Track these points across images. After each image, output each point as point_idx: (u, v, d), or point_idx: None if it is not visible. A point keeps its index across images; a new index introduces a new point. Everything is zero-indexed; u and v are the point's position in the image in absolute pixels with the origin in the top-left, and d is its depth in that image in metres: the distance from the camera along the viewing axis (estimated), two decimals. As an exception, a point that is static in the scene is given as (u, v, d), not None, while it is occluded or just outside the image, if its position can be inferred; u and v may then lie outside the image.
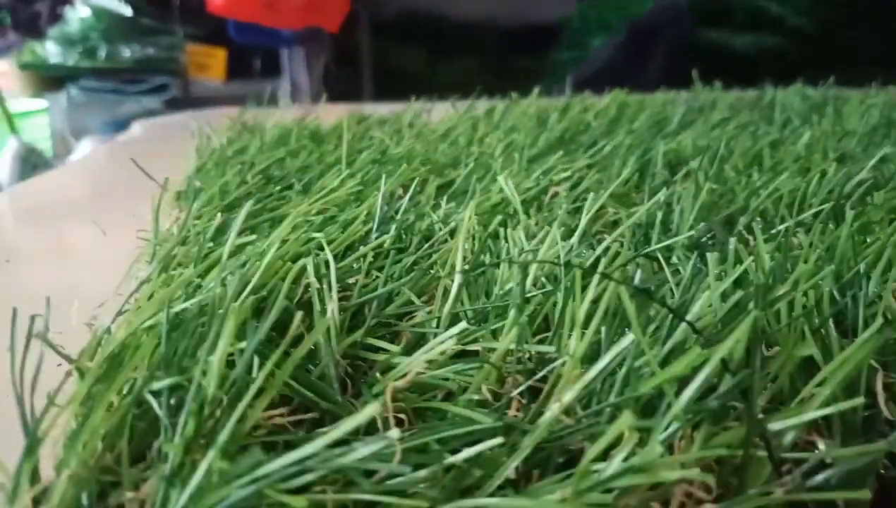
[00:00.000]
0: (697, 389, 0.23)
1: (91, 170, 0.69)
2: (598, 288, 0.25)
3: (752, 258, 0.31)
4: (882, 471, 0.25)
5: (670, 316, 0.25)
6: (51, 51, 1.97)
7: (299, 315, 0.23)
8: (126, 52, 2.04)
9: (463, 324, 0.26)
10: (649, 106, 0.73)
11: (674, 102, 0.78)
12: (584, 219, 0.37)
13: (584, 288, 0.26)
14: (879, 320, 0.24)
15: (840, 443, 0.25)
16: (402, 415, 0.26)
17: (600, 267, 0.34)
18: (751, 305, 0.24)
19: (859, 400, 0.22)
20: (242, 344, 0.25)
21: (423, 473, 0.22)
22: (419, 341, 0.30)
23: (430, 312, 0.32)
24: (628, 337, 0.23)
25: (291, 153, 0.52)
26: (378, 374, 0.28)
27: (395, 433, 0.20)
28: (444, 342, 0.26)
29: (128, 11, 2.06)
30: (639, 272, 0.27)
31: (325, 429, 0.25)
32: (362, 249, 0.34)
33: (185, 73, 2.13)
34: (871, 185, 0.44)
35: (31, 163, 1.71)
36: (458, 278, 0.30)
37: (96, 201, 0.58)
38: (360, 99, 2.22)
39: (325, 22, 2.18)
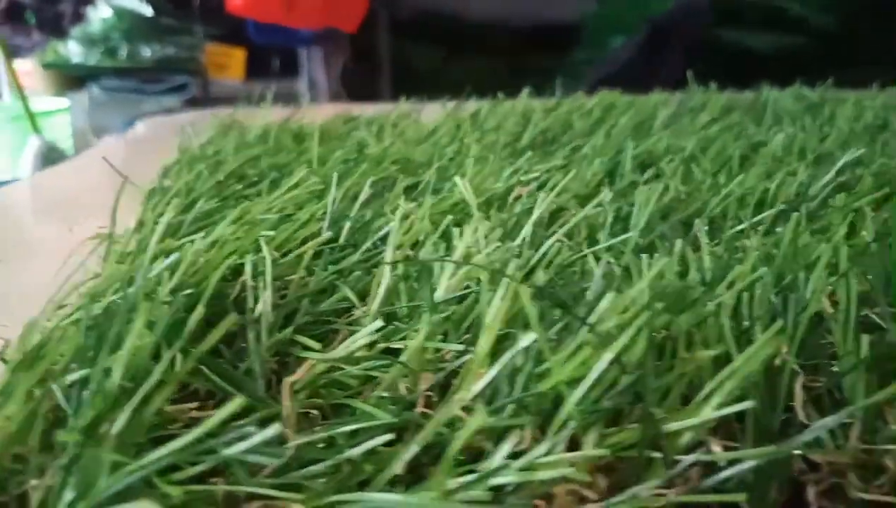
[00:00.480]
0: (593, 388, 0.23)
1: (78, 170, 0.71)
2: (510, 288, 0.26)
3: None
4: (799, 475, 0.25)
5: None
6: (73, 50, 2.01)
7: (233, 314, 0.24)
8: (147, 52, 2.07)
9: (379, 323, 0.27)
10: (640, 106, 0.73)
11: (666, 103, 0.77)
12: (532, 218, 0.37)
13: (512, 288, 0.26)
14: (779, 323, 0.24)
15: (752, 445, 0.25)
16: (315, 411, 0.26)
17: (543, 266, 0.34)
18: (659, 305, 0.24)
19: (748, 404, 0.22)
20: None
21: (315, 467, 0.22)
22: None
23: (366, 310, 0.32)
24: (530, 336, 0.23)
25: (267, 152, 0.52)
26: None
27: (276, 427, 0.20)
28: (359, 340, 0.26)
29: (149, 11, 2.09)
30: (541, 272, 0.27)
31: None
32: (305, 246, 0.35)
33: (204, 72, 2.16)
34: (838, 187, 0.43)
35: (52, 160, 1.75)
36: (386, 276, 0.30)
37: (75, 200, 0.59)
38: (379, 98, 2.23)
39: (343, 22, 2.19)
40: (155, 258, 0.32)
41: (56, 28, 2.06)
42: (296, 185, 0.41)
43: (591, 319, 0.24)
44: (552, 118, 0.65)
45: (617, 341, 0.22)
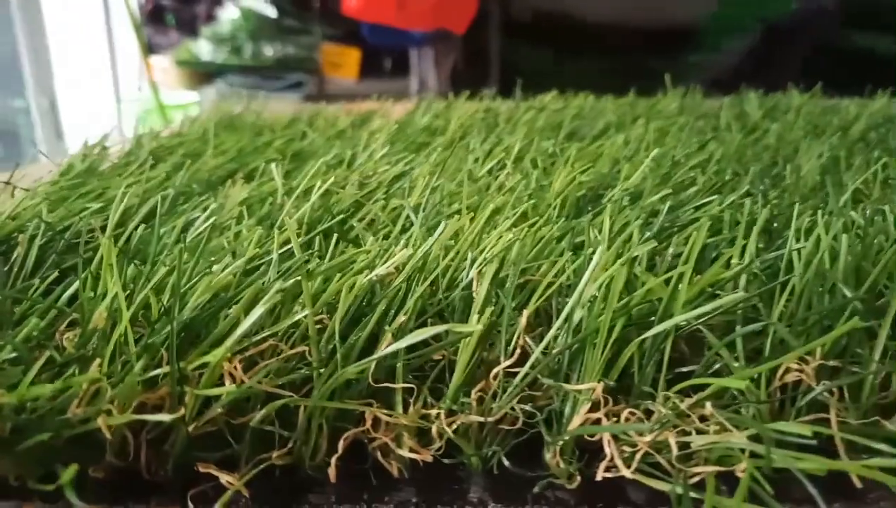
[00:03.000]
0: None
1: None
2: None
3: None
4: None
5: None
6: (203, 49, 2.22)
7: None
8: (269, 51, 2.25)
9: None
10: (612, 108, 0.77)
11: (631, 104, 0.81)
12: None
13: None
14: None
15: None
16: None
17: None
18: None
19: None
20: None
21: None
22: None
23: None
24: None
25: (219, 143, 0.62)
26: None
27: None
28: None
29: (272, 13, 2.27)
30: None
31: None
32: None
33: (320, 71, 2.32)
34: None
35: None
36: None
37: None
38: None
39: (453, 24, 2.29)
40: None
41: (191, 28, 2.28)
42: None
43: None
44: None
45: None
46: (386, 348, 0.31)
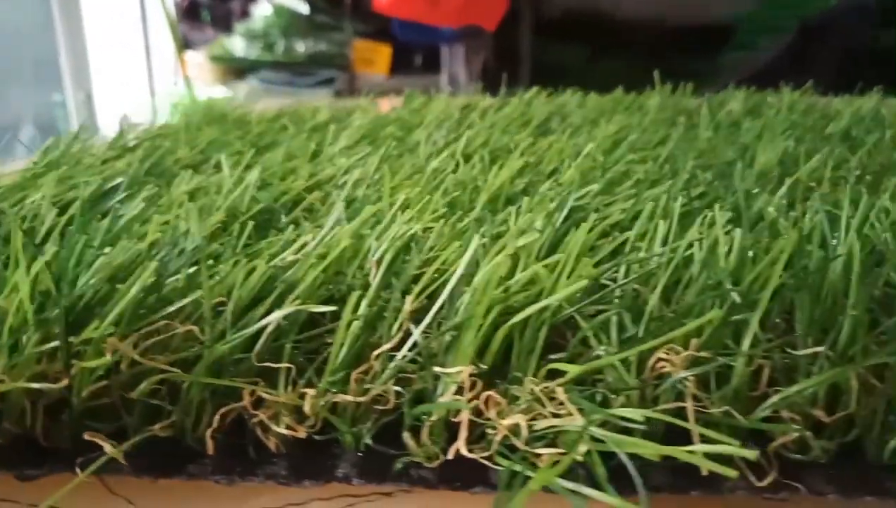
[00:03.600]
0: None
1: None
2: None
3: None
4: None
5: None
6: (237, 45, 2.27)
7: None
8: (301, 47, 2.30)
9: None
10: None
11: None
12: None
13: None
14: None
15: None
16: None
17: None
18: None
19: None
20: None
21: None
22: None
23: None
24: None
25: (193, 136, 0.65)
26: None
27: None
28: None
29: (305, 9, 2.31)
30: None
31: None
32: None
33: (351, 67, 2.35)
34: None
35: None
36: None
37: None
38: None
39: (484, 20, 2.30)
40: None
41: (226, 24, 2.34)
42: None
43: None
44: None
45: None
46: (254, 326, 0.33)
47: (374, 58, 2.39)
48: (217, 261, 0.39)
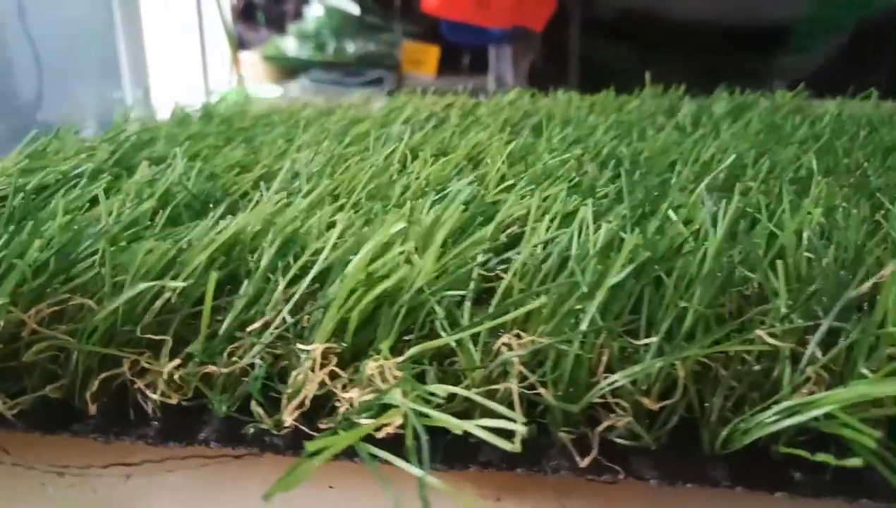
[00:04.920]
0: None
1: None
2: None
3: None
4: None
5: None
6: (289, 45, 2.35)
7: None
8: (351, 48, 2.36)
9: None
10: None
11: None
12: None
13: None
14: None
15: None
16: None
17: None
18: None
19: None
20: None
21: None
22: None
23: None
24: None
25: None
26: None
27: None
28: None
29: (356, 10, 2.37)
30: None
31: None
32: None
33: (400, 67, 2.40)
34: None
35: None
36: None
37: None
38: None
39: (532, 21, 2.31)
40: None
41: (280, 25, 2.41)
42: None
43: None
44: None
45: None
46: (124, 296, 0.36)
47: (423, 58, 2.43)
48: (129, 243, 0.42)
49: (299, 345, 0.36)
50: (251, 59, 2.41)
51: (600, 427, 0.33)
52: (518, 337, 0.34)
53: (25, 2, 2.18)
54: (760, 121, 0.71)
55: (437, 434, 0.32)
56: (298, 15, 2.43)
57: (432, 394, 0.31)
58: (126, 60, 2.10)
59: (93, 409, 0.36)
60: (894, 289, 0.35)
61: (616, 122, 0.73)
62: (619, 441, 0.34)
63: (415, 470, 0.27)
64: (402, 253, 0.36)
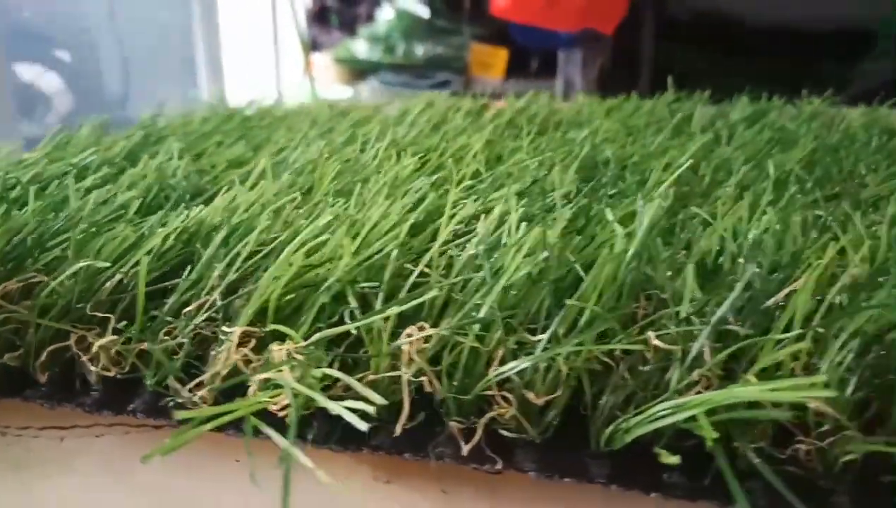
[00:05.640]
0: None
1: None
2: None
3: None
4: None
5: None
6: (360, 47, 2.41)
7: None
8: (419, 50, 2.40)
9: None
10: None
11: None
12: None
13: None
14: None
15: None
16: None
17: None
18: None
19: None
20: None
21: None
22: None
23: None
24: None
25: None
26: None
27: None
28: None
29: (425, 13, 2.41)
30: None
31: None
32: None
33: (468, 70, 2.42)
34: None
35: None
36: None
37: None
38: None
39: (601, 24, 2.29)
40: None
41: (352, 28, 2.48)
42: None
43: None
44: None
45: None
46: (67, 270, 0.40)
47: (491, 61, 2.45)
48: (102, 228, 0.46)
49: (223, 328, 0.38)
50: (323, 61, 2.48)
51: (485, 418, 0.34)
52: (421, 328, 0.36)
53: (116, 5, 2.32)
54: (771, 128, 0.70)
55: (331, 418, 0.34)
56: (371, 18, 2.49)
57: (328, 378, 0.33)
58: (203, 61, 2.20)
59: (43, 378, 0.40)
60: (802, 299, 0.35)
61: (624, 127, 0.73)
62: (506, 433, 0.35)
63: (282, 441, 0.30)
64: (328, 244, 0.38)
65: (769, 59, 2.34)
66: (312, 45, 2.47)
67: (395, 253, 0.39)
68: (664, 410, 0.32)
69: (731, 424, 0.33)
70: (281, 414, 0.35)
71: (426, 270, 0.40)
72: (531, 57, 2.44)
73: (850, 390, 0.32)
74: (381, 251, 0.40)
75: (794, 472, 0.32)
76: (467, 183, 0.51)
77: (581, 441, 0.35)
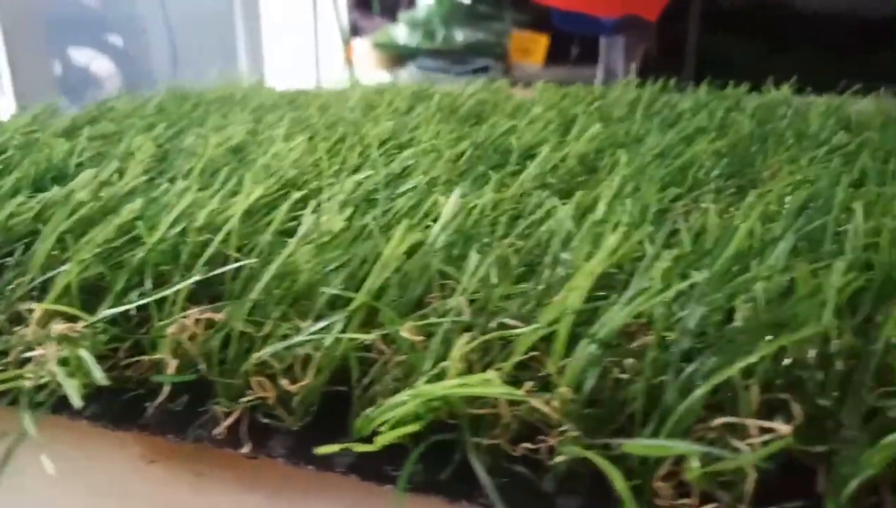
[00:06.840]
0: None
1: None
2: None
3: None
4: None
5: None
6: (400, 32, 2.42)
7: None
8: (459, 36, 2.39)
9: None
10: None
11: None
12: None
13: None
14: None
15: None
16: None
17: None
18: None
19: None
20: None
21: None
22: None
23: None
24: None
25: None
26: None
27: None
28: None
29: (466, -1, 2.40)
30: None
31: None
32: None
33: (507, 56, 2.40)
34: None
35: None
36: None
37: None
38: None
39: (645, 11, 2.23)
40: None
41: (393, 13, 2.49)
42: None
43: None
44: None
45: None
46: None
47: (531, 47, 2.42)
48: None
49: (29, 305, 0.40)
50: (363, 47, 2.50)
51: (243, 402, 0.35)
52: (203, 312, 0.37)
53: (166, -8, 2.40)
54: (747, 117, 0.67)
55: (113, 395, 0.35)
56: (412, 3, 2.49)
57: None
58: (243, 45, 2.25)
59: None
60: (575, 295, 0.34)
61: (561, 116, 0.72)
62: (265, 419, 0.35)
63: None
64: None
65: (820, 49, 2.24)
66: (353, 31, 2.50)
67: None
68: (398, 402, 0.32)
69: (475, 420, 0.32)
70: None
71: (237, 255, 0.41)
72: (573, 44, 2.40)
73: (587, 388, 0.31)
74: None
75: (521, 472, 0.31)
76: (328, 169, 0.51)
77: (342, 430, 0.35)
